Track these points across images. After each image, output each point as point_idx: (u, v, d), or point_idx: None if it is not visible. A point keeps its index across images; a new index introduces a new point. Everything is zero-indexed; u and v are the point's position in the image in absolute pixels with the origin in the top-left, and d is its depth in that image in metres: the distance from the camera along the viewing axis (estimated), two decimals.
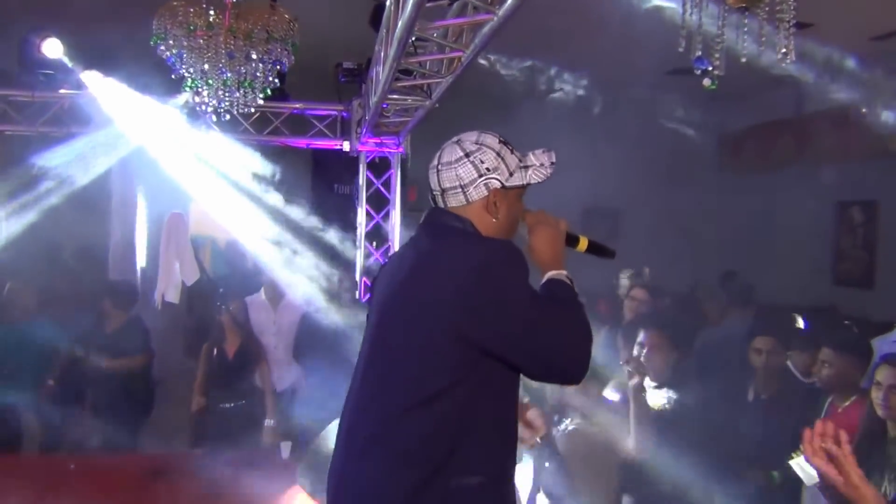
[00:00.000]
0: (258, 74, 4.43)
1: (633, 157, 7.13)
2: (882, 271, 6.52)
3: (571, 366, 1.85)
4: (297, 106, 5.88)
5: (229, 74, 4.34)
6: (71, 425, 5.93)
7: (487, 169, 1.95)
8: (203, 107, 4.68)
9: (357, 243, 6.08)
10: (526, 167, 2.00)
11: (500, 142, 1.99)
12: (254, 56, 4.28)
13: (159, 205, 6.01)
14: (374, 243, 6.05)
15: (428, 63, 3.47)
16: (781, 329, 4.19)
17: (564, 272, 1.99)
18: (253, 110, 4.84)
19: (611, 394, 3.78)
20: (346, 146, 5.97)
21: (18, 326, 5.25)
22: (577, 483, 3.47)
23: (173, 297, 5.58)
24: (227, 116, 4.88)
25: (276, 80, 4.47)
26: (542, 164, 2.02)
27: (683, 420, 3.58)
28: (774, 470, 3.68)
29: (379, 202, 6.06)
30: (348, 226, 6.29)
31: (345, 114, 5.93)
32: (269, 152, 6.65)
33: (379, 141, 5.85)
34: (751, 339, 4.03)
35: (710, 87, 1.83)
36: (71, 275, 6.93)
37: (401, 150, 5.92)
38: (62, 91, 5.65)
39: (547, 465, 3.66)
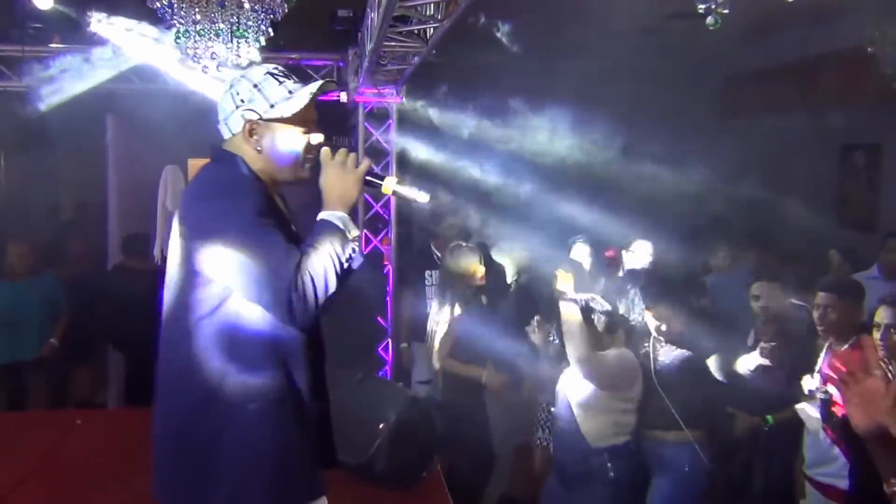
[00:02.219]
0: (251, 24, 4.33)
1: (633, 101, 7.02)
2: (885, 214, 6.48)
3: (271, 303, 1.82)
4: (293, 56, 5.78)
5: (221, 24, 4.24)
6: (76, 381, 5.97)
7: (242, 100, 1.95)
8: (195, 60, 4.59)
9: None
10: (292, 100, 1.94)
11: (267, 73, 1.97)
12: (246, 5, 4.18)
13: (155, 158, 5.93)
14: (374, 196, 6.01)
15: (424, 7, 3.38)
16: (782, 273, 4.19)
17: (338, 213, 1.91)
18: (247, 62, 4.74)
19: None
20: (344, 97, 5.88)
21: (21, 284, 5.25)
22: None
23: None
24: (220, 69, 4.80)
25: (270, 30, 4.36)
26: (304, 97, 1.95)
27: (686, 364, 3.59)
28: (770, 414, 3.72)
29: (378, 154, 5.99)
30: None
31: (341, 63, 5.83)
32: None
33: (377, 91, 5.75)
34: (750, 285, 4.05)
35: (714, 25, 1.78)
36: (71, 230, 6.91)
37: (399, 99, 5.82)
38: (53, 45, 5.55)
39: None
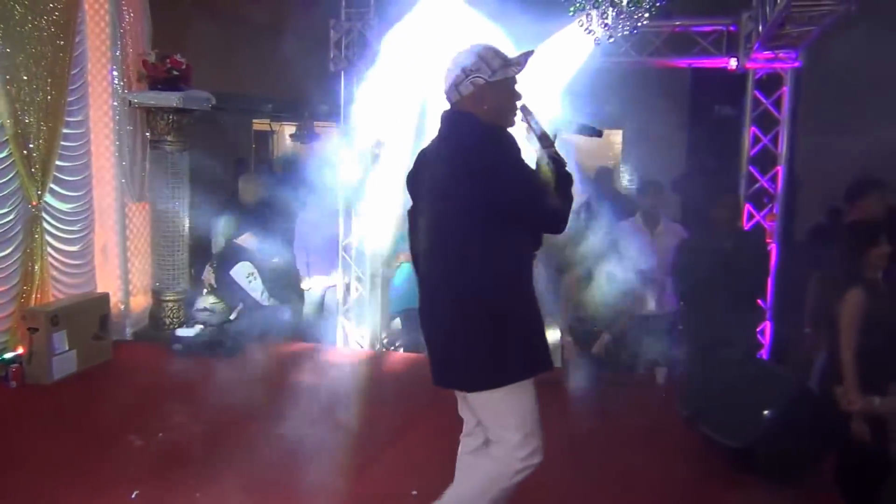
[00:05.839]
0: None
1: None
2: None
3: (549, 218, 2.46)
4: (681, 23, 5.60)
5: None
6: None
7: (471, 70, 2.46)
8: (589, 33, 4.69)
9: (740, 168, 5.70)
10: (507, 66, 2.48)
11: (485, 48, 2.50)
12: None
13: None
14: (761, 168, 5.62)
15: None
16: None
17: (554, 149, 2.56)
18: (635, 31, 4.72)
19: None
20: (733, 63, 5.56)
21: None
22: None
23: None
24: (611, 39, 4.84)
25: None
26: (517, 63, 2.51)
27: None
28: None
29: (768, 123, 5.58)
30: (729, 150, 5.94)
31: (733, 27, 5.52)
32: (643, 75, 6.51)
33: (772, 56, 5.34)
34: None
35: None
36: None
37: (797, 64, 5.34)
38: None
39: None
